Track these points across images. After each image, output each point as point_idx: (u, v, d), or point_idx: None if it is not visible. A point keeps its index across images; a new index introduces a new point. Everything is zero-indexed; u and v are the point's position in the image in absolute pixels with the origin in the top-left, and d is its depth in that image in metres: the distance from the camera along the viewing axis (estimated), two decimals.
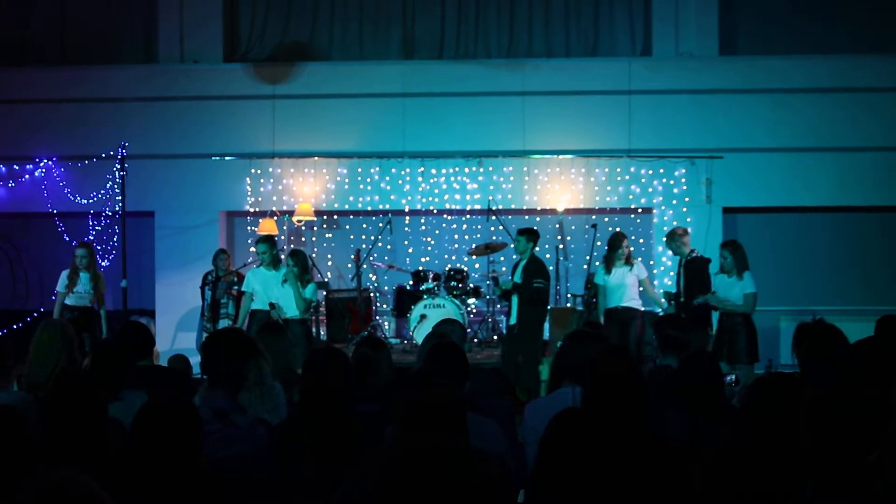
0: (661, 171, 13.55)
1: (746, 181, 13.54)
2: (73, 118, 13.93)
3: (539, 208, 13.83)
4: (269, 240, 11.11)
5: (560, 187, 13.60)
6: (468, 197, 13.72)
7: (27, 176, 13.75)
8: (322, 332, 13.08)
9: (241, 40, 14.76)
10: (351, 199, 13.83)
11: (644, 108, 13.64)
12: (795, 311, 12.76)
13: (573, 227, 14.28)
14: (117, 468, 3.64)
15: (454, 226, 14.32)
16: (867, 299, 13.35)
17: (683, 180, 13.53)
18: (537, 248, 11.06)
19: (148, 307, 13.88)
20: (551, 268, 13.42)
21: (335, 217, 14.46)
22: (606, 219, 13.86)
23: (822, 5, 14.16)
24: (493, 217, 13.18)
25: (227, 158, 13.84)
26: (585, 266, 13.27)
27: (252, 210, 13.87)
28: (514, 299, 10.65)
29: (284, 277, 10.58)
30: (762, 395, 4.08)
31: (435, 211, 14.00)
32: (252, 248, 13.25)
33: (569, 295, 13.56)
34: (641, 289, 11.07)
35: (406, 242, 14.41)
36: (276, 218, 13.75)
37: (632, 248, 11.20)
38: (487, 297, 13.49)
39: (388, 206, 13.83)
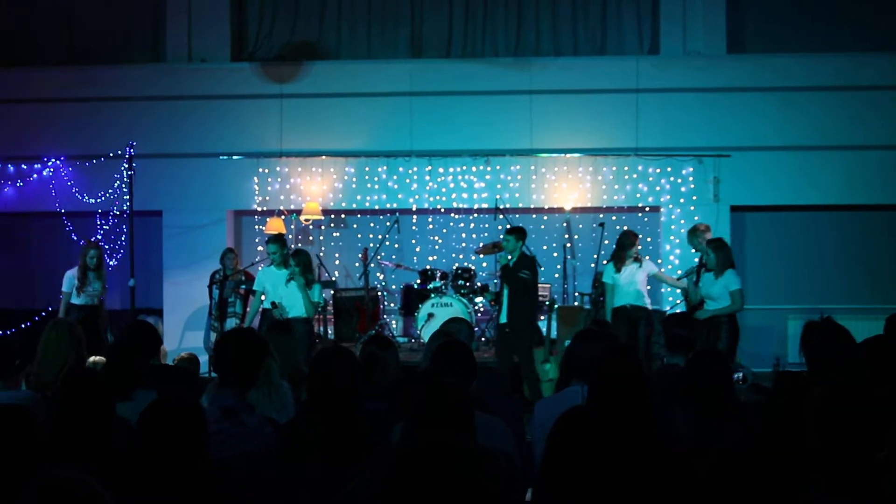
0: (669, 169, 13.53)
1: (754, 180, 13.52)
2: (80, 117, 13.96)
3: (546, 207, 13.83)
4: (279, 239, 11.12)
5: (567, 186, 13.59)
6: (476, 196, 13.71)
7: (35, 175, 13.79)
8: (330, 331, 13.09)
9: (248, 39, 14.77)
10: (358, 197, 13.84)
11: (652, 106, 13.62)
12: (803, 310, 12.75)
13: (580, 226, 14.27)
14: (124, 467, 3.65)
15: (462, 224, 14.32)
16: (874, 298, 13.33)
17: (691, 179, 13.51)
18: (527, 246, 11.03)
19: (155, 306, 13.91)
20: (559, 266, 13.45)
21: (343, 216, 14.47)
22: (614, 217, 13.86)
23: (829, 4, 14.14)
24: (501, 216, 13.17)
25: (234, 157, 13.86)
26: (593, 265, 13.27)
27: (260, 209, 13.88)
28: (505, 298, 10.60)
29: (290, 276, 10.58)
30: (770, 393, 4.08)
31: (442, 210, 13.99)
32: (260, 248, 13.28)
33: (576, 294, 13.54)
34: (649, 287, 11.06)
35: (413, 241, 14.42)
36: (283, 217, 13.77)
37: (639, 247, 11.14)
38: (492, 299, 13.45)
39: (395, 205, 13.83)
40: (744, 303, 10.07)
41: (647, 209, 13.94)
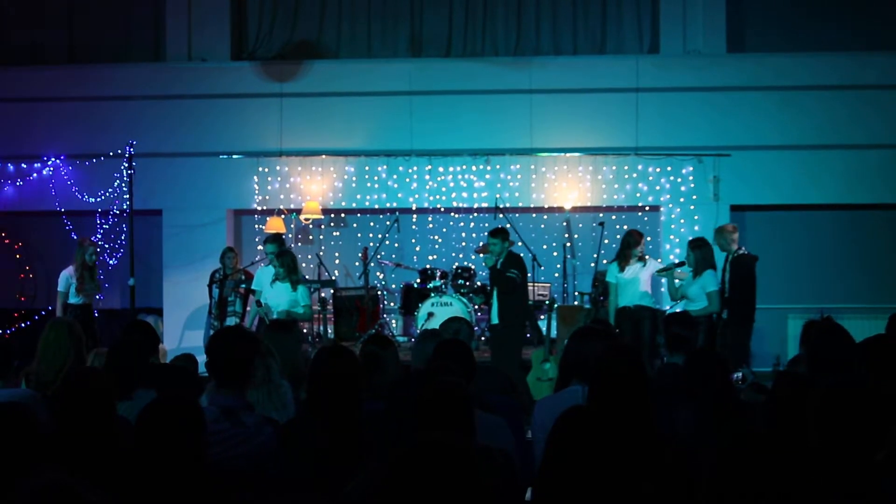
0: (669, 168, 13.53)
1: (754, 179, 13.52)
2: (80, 116, 13.95)
3: (546, 206, 13.83)
4: (277, 239, 11.12)
5: (567, 185, 13.58)
6: (475, 195, 13.71)
7: (35, 174, 13.78)
8: (330, 330, 13.09)
9: (248, 38, 14.77)
10: (358, 197, 13.84)
11: (652, 105, 13.62)
12: (803, 309, 12.75)
13: (580, 225, 14.27)
14: (125, 467, 3.64)
15: (462, 224, 14.32)
16: (875, 297, 13.33)
17: (691, 178, 13.51)
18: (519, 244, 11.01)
19: (155, 305, 13.90)
20: (559, 265, 13.45)
21: (343, 215, 14.47)
22: (614, 217, 13.86)
23: (829, 3, 14.15)
24: (501, 215, 13.18)
25: (234, 157, 13.86)
26: (593, 264, 13.27)
27: (260, 208, 13.88)
28: (494, 298, 10.58)
29: (275, 276, 10.54)
30: (770, 393, 4.08)
31: (442, 209, 13.99)
32: (260, 247, 13.27)
33: (576, 293, 13.54)
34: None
35: (413, 240, 14.41)
36: (283, 216, 13.77)
37: (643, 246, 11.07)
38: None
39: (395, 204, 13.83)
40: (721, 305, 10.08)
41: (647, 208, 13.94)
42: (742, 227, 13.65)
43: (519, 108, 13.71)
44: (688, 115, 13.60)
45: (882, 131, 13.41)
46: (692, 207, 13.50)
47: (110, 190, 13.42)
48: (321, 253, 14.00)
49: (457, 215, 14.22)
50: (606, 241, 13.04)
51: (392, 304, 14.43)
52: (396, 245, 14.27)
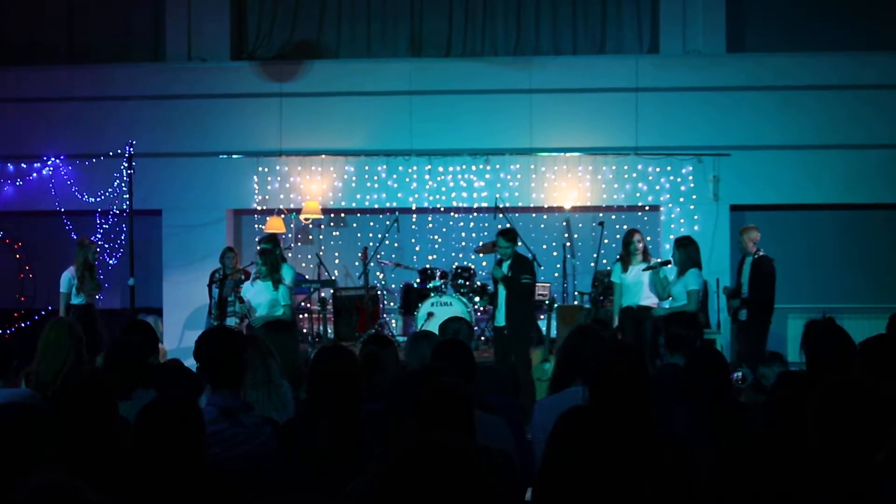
0: (669, 168, 13.53)
1: (754, 179, 13.52)
2: (80, 116, 13.95)
3: (546, 206, 13.83)
4: (272, 239, 11.09)
5: (567, 185, 13.59)
6: (475, 195, 13.71)
7: (34, 174, 13.78)
8: (329, 330, 13.08)
9: (248, 38, 14.77)
10: (358, 196, 13.84)
11: (651, 105, 13.62)
12: (803, 309, 12.74)
13: (580, 225, 14.26)
14: (126, 468, 3.64)
15: (461, 223, 14.31)
16: (875, 297, 13.34)
17: (691, 178, 13.51)
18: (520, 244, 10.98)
19: (155, 305, 13.90)
20: (558, 265, 13.44)
21: (342, 215, 14.47)
22: (613, 216, 13.86)
23: (829, 3, 14.15)
24: (501, 215, 13.18)
25: (234, 156, 13.86)
26: (592, 264, 13.27)
27: (259, 208, 13.88)
28: (501, 300, 10.54)
29: (256, 275, 10.48)
30: (770, 393, 4.07)
31: (442, 209, 13.99)
32: (259, 247, 13.27)
33: (576, 293, 13.54)
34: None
35: (413, 240, 14.41)
36: (283, 216, 13.77)
37: (645, 245, 10.97)
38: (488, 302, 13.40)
39: (395, 204, 13.83)
40: (699, 305, 10.07)
41: (647, 208, 13.94)
42: (742, 226, 13.66)
43: (519, 107, 13.71)
44: (688, 115, 13.60)
45: (882, 131, 13.41)
46: (692, 207, 13.50)
47: (110, 190, 13.42)
48: (321, 253, 14.00)
49: (457, 215, 14.21)
50: (606, 241, 13.04)
51: (392, 304, 14.43)
52: (396, 245, 14.27)
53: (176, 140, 13.86)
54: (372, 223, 14.35)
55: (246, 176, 13.85)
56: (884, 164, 13.41)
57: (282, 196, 13.83)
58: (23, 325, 13.19)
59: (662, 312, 9.91)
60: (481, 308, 13.47)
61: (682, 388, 5.00)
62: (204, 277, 12.52)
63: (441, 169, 13.73)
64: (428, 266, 13.80)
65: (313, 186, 13.77)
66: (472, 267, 13.62)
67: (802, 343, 5.21)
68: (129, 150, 12.32)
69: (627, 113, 13.62)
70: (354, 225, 14.56)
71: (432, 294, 12.93)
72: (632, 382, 4.18)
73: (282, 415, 5.14)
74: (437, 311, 12.42)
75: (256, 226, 14.08)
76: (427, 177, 13.74)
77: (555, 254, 13.78)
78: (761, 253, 11.11)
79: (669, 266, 10.64)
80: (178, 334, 13.62)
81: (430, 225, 14.33)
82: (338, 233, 14.56)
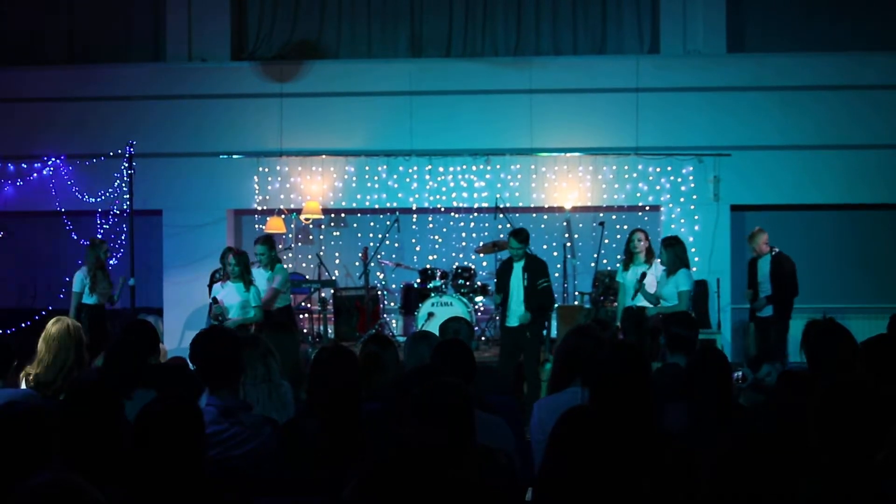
0: (669, 168, 13.53)
1: (754, 179, 13.52)
2: (80, 117, 13.96)
3: (546, 206, 13.83)
4: (268, 241, 11.08)
5: (567, 185, 13.59)
6: (476, 195, 13.71)
7: (35, 174, 13.78)
8: (330, 330, 13.09)
9: (248, 38, 14.77)
10: (358, 196, 13.84)
11: (652, 105, 13.62)
12: (804, 309, 12.70)
13: (580, 225, 14.26)
14: (128, 468, 3.64)
15: (462, 224, 14.31)
16: (876, 297, 13.34)
17: (691, 178, 13.51)
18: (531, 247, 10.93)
19: (155, 305, 13.90)
20: (559, 265, 13.44)
21: (343, 215, 14.47)
22: (614, 216, 13.86)
23: (829, 3, 14.16)
24: (501, 215, 13.18)
25: (234, 157, 13.86)
26: (593, 264, 13.28)
27: (260, 208, 13.89)
28: (514, 301, 10.44)
29: (228, 275, 10.43)
30: (770, 393, 4.07)
31: (442, 209, 13.99)
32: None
33: (576, 293, 13.54)
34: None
35: (414, 240, 14.41)
36: (283, 216, 13.77)
37: (649, 245, 10.87)
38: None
39: (395, 204, 13.83)
40: (690, 305, 10.05)
41: (647, 208, 13.94)
42: (742, 227, 13.67)
43: (519, 108, 13.71)
44: (688, 115, 13.60)
45: (882, 131, 13.41)
46: (692, 207, 13.50)
47: (110, 190, 13.42)
48: (321, 253, 14.00)
49: (457, 215, 14.22)
50: (606, 241, 13.05)
51: (392, 304, 14.43)
52: (396, 245, 14.27)
53: (176, 140, 13.86)
54: (372, 223, 14.35)
55: (246, 176, 13.85)
56: (884, 164, 13.41)
57: (282, 196, 13.83)
58: (23, 325, 13.18)
59: (654, 312, 9.94)
60: (482, 308, 13.47)
61: (682, 388, 4.99)
62: (204, 277, 12.51)
63: (441, 169, 13.73)
64: (428, 266, 13.80)
65: (314, 186, 13.77)
66: (473, 267, 13.61)
67: (803, 343, 5.20)
68: (130, 151, 12.32)
69: (628, 113, 13.62)
70: (355, 225, 14.57)
71: (433, 294, 12.93)
72: (632, 382, 4.17)
73: (282, 415, 5.13)
74: (438, 312, 12.41)
75: (257, 226, 14.07)
76: (427, 177, 13.74)
77: (555, 254, 13.77)
78: (776, 250, 11.18)
79: (655, 264, 10.63)
80: (179, 334, 13.62)
81: (431, 225, 14.33)
82: (338, 233, 14.56)
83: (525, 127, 13.69)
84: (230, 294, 10.26)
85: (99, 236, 12.97)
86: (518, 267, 10.35)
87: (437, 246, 14.37)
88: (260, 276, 10.85)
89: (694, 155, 13.46)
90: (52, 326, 6.08)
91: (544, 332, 10.81)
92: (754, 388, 7.56)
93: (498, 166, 13.66)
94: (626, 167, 13.55)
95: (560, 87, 13.72)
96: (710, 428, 4.48)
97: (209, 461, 3.82)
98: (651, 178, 13.54)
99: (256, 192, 13.82)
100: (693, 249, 13.18)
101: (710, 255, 13.31)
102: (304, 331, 13.11)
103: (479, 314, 13.46)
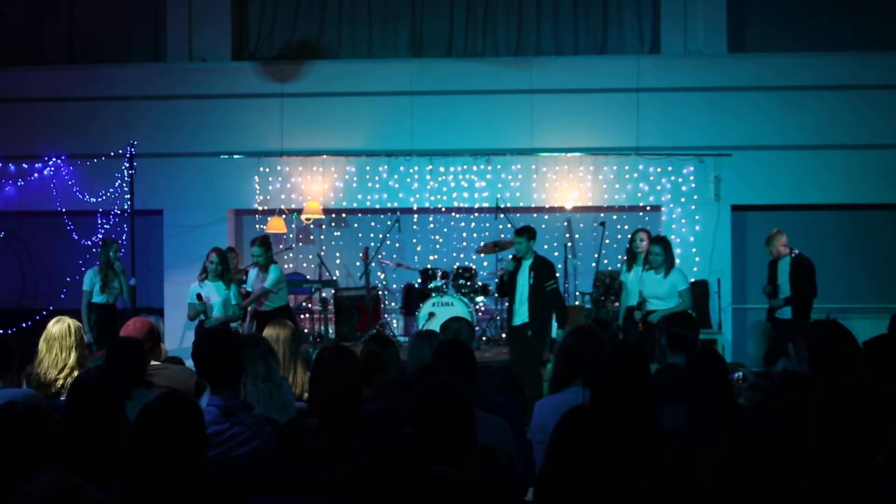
0: (670, 168, 13.52)
1: (755, 179, 13.51)
2: (81, 117, 13.96)
3: (547, 206, 13.83)
4: (264, 242, 11.09)
5: (568, 185, 13.58)
6: (476, 195, 13.71)
7: (36, 174, 13.79)
8: (330, 330, 13.09)
9: (249, 38, 14.77)
10: (359, 197, 13.84)
11: (652, 105, 13.61)
12: None
13: (581, 225, 14.26)
14: (128, 468, 3.64)
15: (462, 224, 14.31)
16: (878, 297, 13.32)
17: (692, 178, 13.50)
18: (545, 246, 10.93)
19: (156, 305, 13.89)
20: (559, 265, 13.43)
21: (344, 215, 14.47)
22: (615, 217, 13.86)
23: (830, 3, 14.13)
24: (502, 215, 13.19)
25: (235, 157, 13.86)
26: (594, 264, 13.27)
27: (261, 208, 13.89)
28: (520, 300, 10.46)
29: (209, 273, 10.45)
30: (770, 393, 4.07)
31: (443, 209, 14.00)
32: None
33: (577, 293, 13.54)
34: None
35: (414, 240, 14.41)
36: (284, 216, 13.77)
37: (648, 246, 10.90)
38: (496, 295, 13.41)
39: (396, 204, 13.83)
40: (692, 301, 10.05)
41: (648, 208, 13.94)
42: (743, 227, 13.67)
43: (520, 108, 13.71)
44: (689, 115, 13.59)
45: (884, 131, 13.39)
46: (693, 207, 13.49)
47: (111, 190, 13.42)
48: (322, 253, 14.01)
49: (458, 215, 14.22)
50: (607, 242, 13.04)
51: (393, 304, 14.43)
52: (397, 245, 14.27)
53: (177, 140, 13.86)
54: (373, 223, 14.35)
55: (247, 176, 13.85)
56: (885, 164, 13.39)
57: (283, 196, 13.83)
58: (23, 325, 13.18)
59: (659, 318, 9.89)
60: (482, 308, 13.47)
61: (682, 388, 5.00)
62: None
63: (442, 169, 13.72)
64: (429, 266, 13.80)
65: (314, 186, 13.77)
66: (474, 267, 13.61)
67: (804, 343, 5.20)
68: (131, 151, 12.33)
69: (628, 113, 13.61)
70: (355, 225, 14.56)
71: (433, 294, 12.93)
72: (633, 382, 4.18)
73: (283, 414, 5.14)
74: (439, 312, 12.43)
75: (258, 226, 14.09)
76: (428, 177, 13.73)
77: (556, 254, 13.75)
78: (796, 252, 11.18)
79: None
80: (179, 334, 13.60)
81: (432, 225, 14.33)
82: (339, 233, 14.56)
83: (526, 127, 13.68)
84: (210, 293, 10.34)
85: (112, 236, 13.00)
86: (525, 265, 10.36)
87: (437, 246, 14.37)
88: (257, 276, 10.88)
89: (695, 155, 13.46)
90: (53, 326, 6.09)
91: (548, 332, 10.79)
92: (754, 388, 7.56)
93: (499, 166, 13.66)
94: (626, 167, 13.54)
95: (561, 87, 13.72)
96: (710, 428, 4.48)
97: (210, 461, 3.81)
98: (652, 178, 13.54)
99: (257, 192, 13.82)
100: (694, 250, 13.22)
101: (710, 255, 13.30)
102: (305, 331, 13.10)
103: (480, 314, 13.46)
